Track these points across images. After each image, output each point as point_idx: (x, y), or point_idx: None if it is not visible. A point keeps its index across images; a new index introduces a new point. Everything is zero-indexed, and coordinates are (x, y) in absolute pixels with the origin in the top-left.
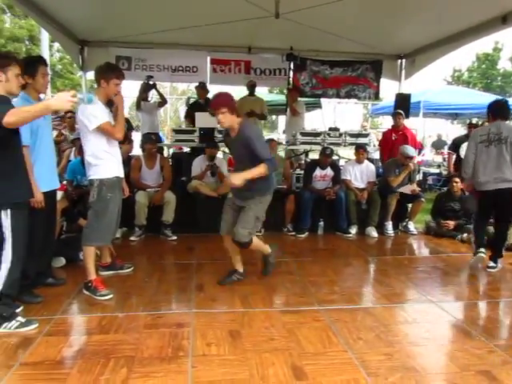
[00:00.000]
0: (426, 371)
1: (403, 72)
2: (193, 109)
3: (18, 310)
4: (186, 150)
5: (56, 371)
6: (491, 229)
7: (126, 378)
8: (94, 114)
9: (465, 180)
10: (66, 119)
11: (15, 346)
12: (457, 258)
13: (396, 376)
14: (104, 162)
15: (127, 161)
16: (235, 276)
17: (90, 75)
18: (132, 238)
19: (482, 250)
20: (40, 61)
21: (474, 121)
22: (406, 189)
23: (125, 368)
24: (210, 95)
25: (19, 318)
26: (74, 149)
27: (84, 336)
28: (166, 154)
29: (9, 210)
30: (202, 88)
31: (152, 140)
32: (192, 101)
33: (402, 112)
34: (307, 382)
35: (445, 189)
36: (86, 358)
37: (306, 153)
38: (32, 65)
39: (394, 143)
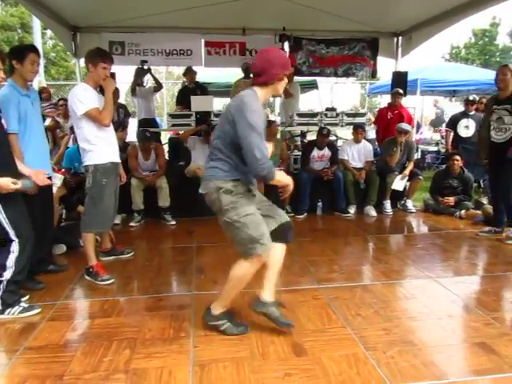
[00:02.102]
0: (423, 344)
1: (400, 50)
2: (183, 94)
3: (24, 299)
4: None
5: (60, 354)
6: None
7: (129, 359)
8: (81, 99)
9: None
10: (59, 106)
11: (19, 331)
12: (455, 235)
13: (394, 350)
14: (97, 147)
15: (123, 147)
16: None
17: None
18: (131, 224)
19: None
20: (30, 48)
21: (471, 97)
22: (399, 185)
23: (128, 349)
24: (200, 78)
25: (22, 304)
26: (72, 136)
27: (87, 320)
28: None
29: (0, 205)
30: (189, 72)
31: (147, 138)
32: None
33: (401, 92)
34: (307, 358)
35: (443, 166)
36: (90, 341)
37: (303, 134)
38: (21, 51)
39: (390, 122)
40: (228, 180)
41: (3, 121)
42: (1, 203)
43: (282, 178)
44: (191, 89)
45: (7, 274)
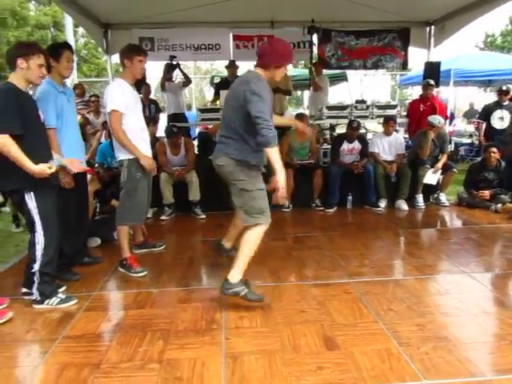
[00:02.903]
0: (458, 341)
1: (432, 39)
2: (221, 87)
3: (61, 290)
4: None
5: (97, 343)
6: None
7: (163, 350)
8: (113, 96)
9: None
10: (91, 103)
11: (57, 321)
12: (490, 229)
13: (428, 346)
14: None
15: (154, 142)
16: None
17: (115, 58)
18: (163, 218)
19: None
20: (65, 45)
21: (505, 87)
22: (432, 179)
23: (161, 340)
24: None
25: (60, 295)
26: (104, 132)
27: (121, 311)
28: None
29: (32, 193)
30: (231, 66)
31: (174, 133)
32: (217, 79)
33: (433, 83)
34: (339, 352)
35: (478, 159)
36: (124, 332)
37: (332, 127)
38: (57, 49)
39: (422, 114)
40: (243, 157)
41: (42, 116)
42: (34, 192)
43: (279, 167)
44: (231, 82)
45: (36, 266)
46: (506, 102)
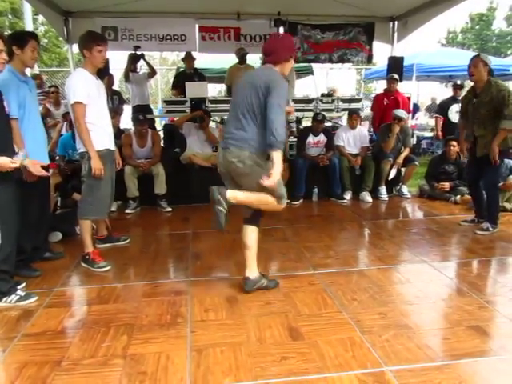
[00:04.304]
0: (418, 328)
1: (395, 34)
2: (180, 79)
3: (20, 286)
4: None
5: (58, 340)
6: None
7: (127, 345)
8: (75, 88)
9: None
10: (50, 94)
11: (16, 319)
12: (450, 220)
13: (390, 333)
14: (92, 134)
15: (117, 134)
16: None
17: (77, 48)
18: (127, 211)
19: None
20: (31, 34)
21: (459, 82)
22: (392, 173)
23: (125, 335)
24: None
25: (18, 292)
26: (65, 123)
27: (84, 306)
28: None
29: None
30: (189, 58)
31: (141, 121)
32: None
33: (397, 77)
34: (303, 342)
35: (439, 152)
36: (87, 327)
37: (299, 120)
38: (22, 37)
39: (386, 108)
40: (258, 150)
41: (6, 105)
42: None
43: (279, 166)
44: (189, 74)
45: None
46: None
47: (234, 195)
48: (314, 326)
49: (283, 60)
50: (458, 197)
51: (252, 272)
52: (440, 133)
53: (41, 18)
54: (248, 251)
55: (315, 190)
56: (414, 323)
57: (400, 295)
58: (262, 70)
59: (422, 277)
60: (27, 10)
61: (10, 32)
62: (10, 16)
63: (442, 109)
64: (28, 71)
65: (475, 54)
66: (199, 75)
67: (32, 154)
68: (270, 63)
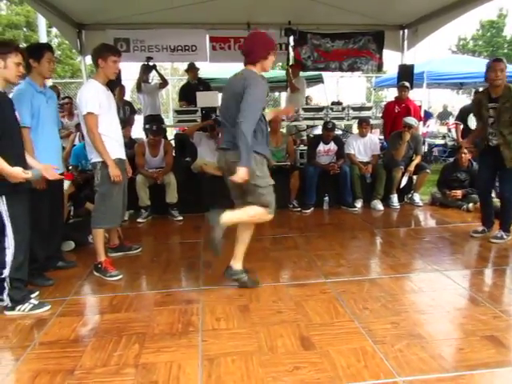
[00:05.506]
0: (431, 338)
1: (406, 42)
2: (186, 91)
3: (34, 295)
4: None
5: (71, 349)
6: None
7: (139, 354)
8: (87, 99)
9: None
10: (64, 105)
11: (30, 327)
12: (463, 228)
13: (402, 343)
14: (104, 144)
15: (128, 144)
16: None
17: (90, 59)
18: (139, 220)
19: None
20: (46, 46)
21: (481, 89)
22: (403, 180)
23: (137, 344)
24: (204, 74)
25: (32, 301)
26: (78, 134)
27: (96, 315)
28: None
29: (4, 197)
30: (191, 69)
31: (154, 132)
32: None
33: (408, 85)
34: (315, 351)
35: (451, 159)
36: (99, 336)
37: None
38: (38, 49)
39: (397, 116)
40: (257, 153)
41: (17, 115)
42: (5, 195)
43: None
44: (194, 85)
45: (6, 272)
46: None
47: (228, 218)
48: (325, 335)
49: (261, 58)
50: (471, 204)
51: (236, 263)
52: (461, 139)
53: (54, 30)
54: (239, 244)
55: (326, 198)
56: (427, 333)
57: (413, 304)
58: (240, 76)
59: (434, 286)
60: (41, 23)
61: (25, 44)
62: (24, 29)
63: (462, 115)
64: (48, 82)
65: (486, 60)
66: (204, 85)
67: (44, 161)
68: (249, 64)
